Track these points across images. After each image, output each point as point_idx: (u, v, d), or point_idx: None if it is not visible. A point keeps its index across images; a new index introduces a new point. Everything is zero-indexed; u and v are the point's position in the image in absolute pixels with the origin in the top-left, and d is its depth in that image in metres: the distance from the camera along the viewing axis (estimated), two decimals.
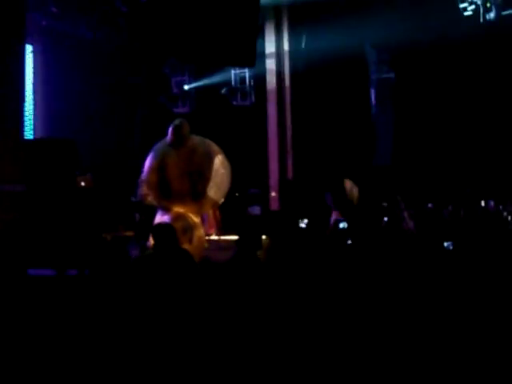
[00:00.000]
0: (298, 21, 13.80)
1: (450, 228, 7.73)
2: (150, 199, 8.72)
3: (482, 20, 12.47)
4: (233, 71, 15.35)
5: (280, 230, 5.54)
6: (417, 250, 6.21)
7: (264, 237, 5.43)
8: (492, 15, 12.39)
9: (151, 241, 5.59)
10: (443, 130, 13.74)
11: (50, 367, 3.28)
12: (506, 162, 12.71)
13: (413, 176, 13.45)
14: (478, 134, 13.29)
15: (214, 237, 10.85)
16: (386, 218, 10.94)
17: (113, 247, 4.09)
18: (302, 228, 9.06)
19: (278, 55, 13.99)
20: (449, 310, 4.39)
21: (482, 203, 10.59)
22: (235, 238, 4.94)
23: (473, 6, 12.53)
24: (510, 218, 9.30)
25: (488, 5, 12.39)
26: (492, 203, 10.27)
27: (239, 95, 15.43)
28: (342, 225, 9.80)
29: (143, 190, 9.65)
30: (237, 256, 4.69)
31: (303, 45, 14.14)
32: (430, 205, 10.61)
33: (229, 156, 8.03)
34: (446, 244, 5.68)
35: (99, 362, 3.30)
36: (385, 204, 11.18)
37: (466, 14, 12.65)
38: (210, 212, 9.76)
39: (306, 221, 10.28)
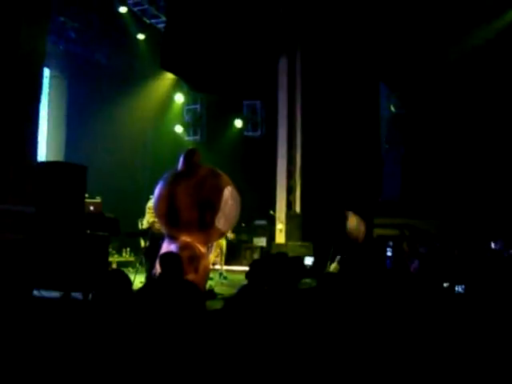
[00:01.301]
0: (312, 53, 13.90)
1: (458, 270, 7.63)
2: (158, 226, 8.72)
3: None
4: (245, 101, 15.49)
5: (287, 265, 5.48)
6: (420, 291, 6.13)
7: None
8: None
9: (158, 269, 5.58)
10: (453, 168, 13.73)
11: None
12: None
13: (421, 213, 13.39)
14: (489, 174, 13.25)
15: (218, 266, 10.80)
16: (389, 253, 10.85)
17: (117, 273, 4.06)
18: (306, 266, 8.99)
19: (291, 87, 14.05)
20: (454, 352, 4.33)
21: (492, 245, 10.43)
22: (240, 268, 4.92)
23: None
24: None
25: None
26: (501, 244, 10.07)
27: (250, 126, 15.54)
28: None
29: (151, 216, 9.67)
30: (245, 288, 4.66)
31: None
32: (437, 244, 10.49)
33: (236, 185, 8.02)
34: (457, 288, 5.59)
35: None
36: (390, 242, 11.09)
37: None
38: (217, 242, 9.72)
39: (311, 259, 10.17)
